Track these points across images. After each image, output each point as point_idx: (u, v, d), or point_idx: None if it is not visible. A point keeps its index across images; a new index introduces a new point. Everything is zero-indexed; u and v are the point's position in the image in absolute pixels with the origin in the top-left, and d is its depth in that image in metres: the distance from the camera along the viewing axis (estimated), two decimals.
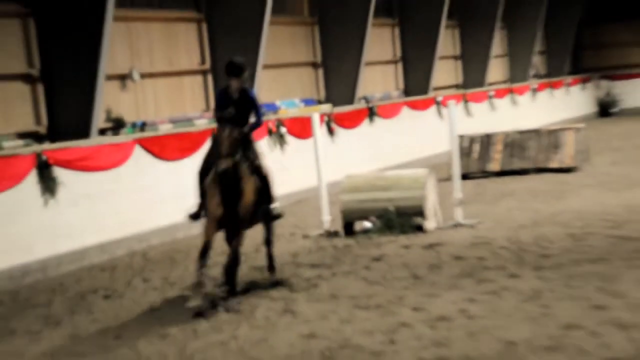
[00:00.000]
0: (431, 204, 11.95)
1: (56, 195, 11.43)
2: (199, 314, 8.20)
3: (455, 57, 25.39)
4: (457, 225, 11.93)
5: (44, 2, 12.52)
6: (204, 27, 16.04)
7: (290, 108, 17.68)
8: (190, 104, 15.74)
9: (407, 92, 22.40)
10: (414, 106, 20.84)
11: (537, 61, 29.34)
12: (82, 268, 11.45)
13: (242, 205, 8.73)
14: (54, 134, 12.71)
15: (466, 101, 23.32)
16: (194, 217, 9.13)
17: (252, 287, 9.28)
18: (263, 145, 14.81)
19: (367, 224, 11.90)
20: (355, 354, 6.84)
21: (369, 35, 19.06)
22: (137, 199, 12.69)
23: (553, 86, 29.15)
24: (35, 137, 12.64)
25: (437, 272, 9.36)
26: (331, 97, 19.20)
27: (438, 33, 21.95)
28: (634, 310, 7.28)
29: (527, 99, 27.13)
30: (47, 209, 11.35)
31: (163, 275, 10.49)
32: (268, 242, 9.70)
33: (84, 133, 12.47)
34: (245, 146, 8.82)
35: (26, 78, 12.67)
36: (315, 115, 12.57)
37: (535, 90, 27.78)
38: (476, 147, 17.82)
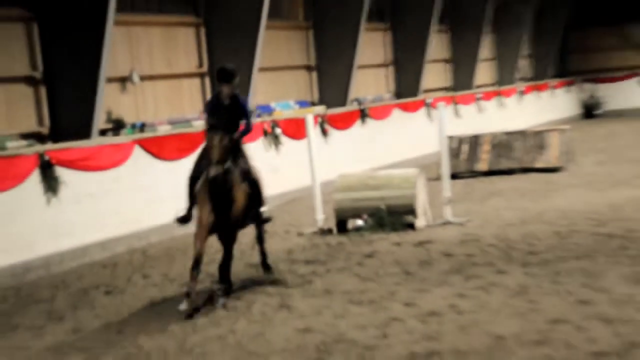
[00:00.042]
0: (421, 203, 12.02)
1: (58, 194, 11.46)
2: (189, 315, 8.25)
3: (445, 61, 25.41)
4: (447, 223, 12.00)
5: (47, 6, 12.52)
6: (202, 31, 16.05)
7: (285, 110, 17.69)
8: (188, 106, 15.74)
9: (398, 94, 22.43)
10: (404, 108, 20.89)
11: (524, 64, 29.54)
12: (83, 265, 11.49)
13: (233, 212, 8.70)
14: (56, 134, 12.73)
15: (455, 103, 23.41)
16: (183, 220, 9.06)
17: (248, 284, 9.28)
18: (258, 146, 15.06)
19: (360, 222, 11.98)
20: (349, 348, 6.89)
21: (362, 39, 19.10)
22: (137, 197, 12.70)
23: (539, 89, 29.20)
24: (38, 137, 12.66)
25: (427, 268, 9.43)
26: (325, 99, 19.23)
27: (428, 37, 21.97)
28: (619, 305, 7.36)
29: (514, 101, 27.17)
30: (49, 208, 11.38)
31: (162, 271, 10.58)
32: (260, 239, 9.76)
33: (85, 134, 12.48)
34: (235, 153, 8.78)
35: (29, 80, 12.72)
36: (309, 116, 12.56)
37: (522, 93, 27.86)
38: (465, 148, 17.91)
